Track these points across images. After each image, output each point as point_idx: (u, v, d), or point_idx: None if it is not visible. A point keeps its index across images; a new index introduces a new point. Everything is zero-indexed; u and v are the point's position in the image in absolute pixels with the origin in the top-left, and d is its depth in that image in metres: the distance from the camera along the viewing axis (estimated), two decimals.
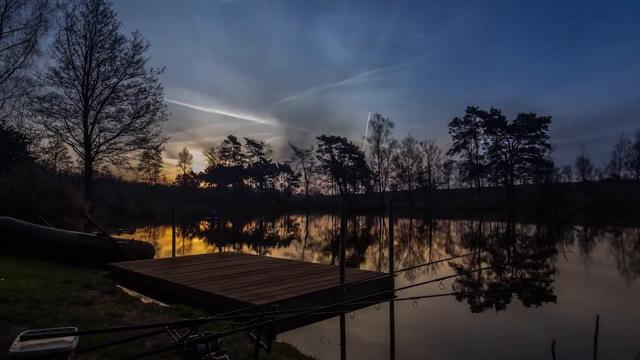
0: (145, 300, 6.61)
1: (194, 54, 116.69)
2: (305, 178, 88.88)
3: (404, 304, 6.45)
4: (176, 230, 12.46)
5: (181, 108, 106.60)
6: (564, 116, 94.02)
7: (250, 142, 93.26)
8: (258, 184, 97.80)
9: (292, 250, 15.65)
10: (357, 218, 43.06)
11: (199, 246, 17.89)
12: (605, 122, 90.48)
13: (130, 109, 41.80)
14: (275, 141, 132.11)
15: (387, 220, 9.33)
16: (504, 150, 75.77)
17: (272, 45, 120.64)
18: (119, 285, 7.51)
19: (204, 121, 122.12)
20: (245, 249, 16.46)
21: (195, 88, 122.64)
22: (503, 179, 76.33)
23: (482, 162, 76.81)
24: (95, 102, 40.19)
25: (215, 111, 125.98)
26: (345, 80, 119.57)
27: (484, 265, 12.10)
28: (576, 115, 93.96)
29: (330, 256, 13.93)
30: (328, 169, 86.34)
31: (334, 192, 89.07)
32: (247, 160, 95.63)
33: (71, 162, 57.47)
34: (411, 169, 79.43)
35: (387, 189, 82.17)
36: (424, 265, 11.24)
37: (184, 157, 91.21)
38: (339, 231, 18.77)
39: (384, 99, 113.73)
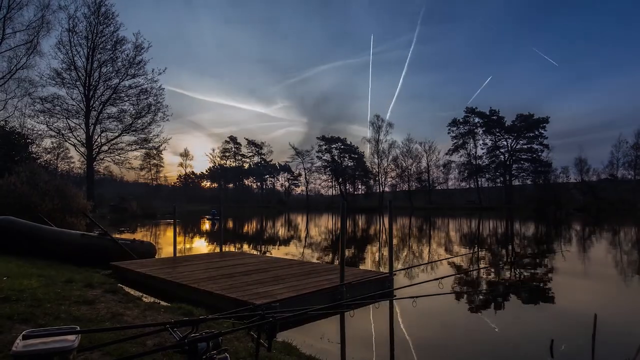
0: (147, 299, 6.64)
1: (186, 16, 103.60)
2: (306, 178, 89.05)
3: (403, 303, 6.50)
4: (177, 230, 12.50)
5: (180, 96, 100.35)
6: (562, 118, 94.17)
7: (251, 143, 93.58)
8: (258, 184, 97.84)
9: (292, 250, 15.67)
10: (357, 218, 43.08)
11: (199, 246, 17.93)
12: (602, 125, 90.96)
13: (131, 109, 41.94)
14: (289, 132, 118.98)
15: (386, 220, 9.36)
16: (502, 150, 76.08)
17: (283, 6, 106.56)
18: (120, 285, 7.53)
19: (207, 110, 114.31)
20: (246, 248, 16.49)
21: (191, 66, 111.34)
22: (501, 179, 76.53)
23: (480, 162, 77.05)
24: (97, 102, 40.27)
25: (218, 100, 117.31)
26: (372, 52, 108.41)
27: (482, 264, 12.13)
28: (574, 118, 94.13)
29: (330, 255, 13.95)
30: (328, 169, 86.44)
31: (333, 192, 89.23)
32: (248, 160, 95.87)
33: (73, 162, 57.44)
34: (410, 169, 79.61)
35: (386, 188, 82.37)
36: (423, 264, 11.27)
37: (185, 156, 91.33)
38: (338, 231, 18.82)
39: (412, 83, 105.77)
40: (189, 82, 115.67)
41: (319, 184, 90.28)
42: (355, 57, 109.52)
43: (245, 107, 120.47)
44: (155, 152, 51.45)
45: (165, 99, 43.42)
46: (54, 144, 43.38)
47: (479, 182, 77.15)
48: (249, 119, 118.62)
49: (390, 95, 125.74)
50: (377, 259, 13.29)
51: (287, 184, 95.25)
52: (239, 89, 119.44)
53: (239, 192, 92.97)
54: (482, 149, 77.49)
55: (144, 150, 46.14)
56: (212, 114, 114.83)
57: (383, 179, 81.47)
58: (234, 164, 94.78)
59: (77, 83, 39.26)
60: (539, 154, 73.01)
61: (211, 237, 22.31)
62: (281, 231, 27.94)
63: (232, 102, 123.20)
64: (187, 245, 17.67)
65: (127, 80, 41.01)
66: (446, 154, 79.11)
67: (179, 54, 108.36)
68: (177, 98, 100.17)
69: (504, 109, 78.62)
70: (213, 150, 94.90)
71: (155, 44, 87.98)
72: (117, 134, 41.58)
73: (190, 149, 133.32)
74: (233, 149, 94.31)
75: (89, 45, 39.07)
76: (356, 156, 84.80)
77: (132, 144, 42.56)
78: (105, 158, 41.93)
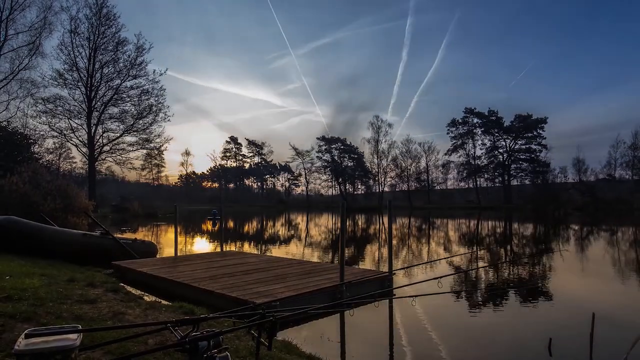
0: (148, 298, 6.68)
1: None
2: (306, 178, 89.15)
3: (402, 301, 6.54)
4: (178, 230, 12.54)
5: (181, 82, 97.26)
6: (561, 119, 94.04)
7: (251, 143, 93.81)
8: (259, 184, 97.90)
9: (293, 249, 15.71)
10: (357, 217, 43.11)
11: (200, 245, 17.96)
12: (601, 127, 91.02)
13: (133, 110, 42.04)
14: (304, 121, 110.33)
15: (386, 220, 9.39)
16: (501, 150, 76.30)
17: None
18: (122, 284, 7.57)
19: (213, 97, 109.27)
20: (247, 247, 16.52)
21: (193, 42, 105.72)
22: (500, 179, 76.69)
23: (479, 163, 77.21)
24: (98, 103, 40.32)
25: (225, 87, 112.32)
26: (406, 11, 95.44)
27: (481, 263, 12.16)
28: (573, 120, 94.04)
29: (330, 255, 13.98)
30: (328, 169, 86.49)
31: (333, 192, 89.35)
32: (249, 160, 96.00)
33: (75, 162, 57.80)
34: (410, 169, 79.70)
35: (386, 188, 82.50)
36: (422, 263, 11.30)
37: (187, 155, 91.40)
38: (338, 230, 18.85)
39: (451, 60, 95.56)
40: (190, 62, 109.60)
41: (319, 184, 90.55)
42: (388, 20, 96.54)
43: (254, 92, 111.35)
44: (156, 152, 51.63)
45: (166, 96, 43.24)
46: (56, 144, 43.68)
47: (478, 182, 77.33)
48: (259, 106, 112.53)
49: (422, 78, 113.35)
50: (376, 258, 13.32)
51: (287, 184, 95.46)
52: (248, 68, 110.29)
53: (240, 192, 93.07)
54: (480, 149, 77.90)
55: (145, 151, 46.34)
56: (219, 101, 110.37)
57: (382, 179, 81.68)
58: (234, 164, 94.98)
59: (79, 84, 39.39)
60: (537, 154, 73.32)
61: (212, 236, 22.36)
62: (281, 231, 27.96)
63: (240, 88, 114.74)
64: (188, 245, 17.70)
65: (129, 81, 41.20)
66: (445, 154, 79.43)
67: (177, 30, 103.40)
68: (179, 84, 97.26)
69: (504, 110, 78.66)
70: (214, 151, 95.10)
71: (152, 23, 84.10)
72: (118, 135, 41.76)
73: (194, 140, 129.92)
74: (234, 149, 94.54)
75: (90, 46, 39.22)
76: (356, 156, 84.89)
77: (133, 144, 42.77)
78: (106, 158, 42.14)
